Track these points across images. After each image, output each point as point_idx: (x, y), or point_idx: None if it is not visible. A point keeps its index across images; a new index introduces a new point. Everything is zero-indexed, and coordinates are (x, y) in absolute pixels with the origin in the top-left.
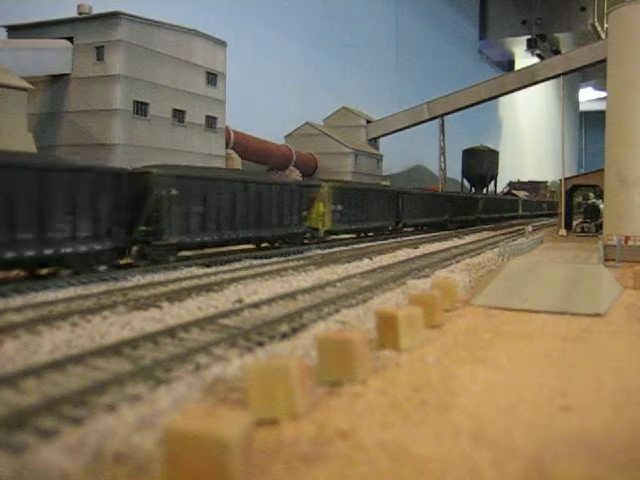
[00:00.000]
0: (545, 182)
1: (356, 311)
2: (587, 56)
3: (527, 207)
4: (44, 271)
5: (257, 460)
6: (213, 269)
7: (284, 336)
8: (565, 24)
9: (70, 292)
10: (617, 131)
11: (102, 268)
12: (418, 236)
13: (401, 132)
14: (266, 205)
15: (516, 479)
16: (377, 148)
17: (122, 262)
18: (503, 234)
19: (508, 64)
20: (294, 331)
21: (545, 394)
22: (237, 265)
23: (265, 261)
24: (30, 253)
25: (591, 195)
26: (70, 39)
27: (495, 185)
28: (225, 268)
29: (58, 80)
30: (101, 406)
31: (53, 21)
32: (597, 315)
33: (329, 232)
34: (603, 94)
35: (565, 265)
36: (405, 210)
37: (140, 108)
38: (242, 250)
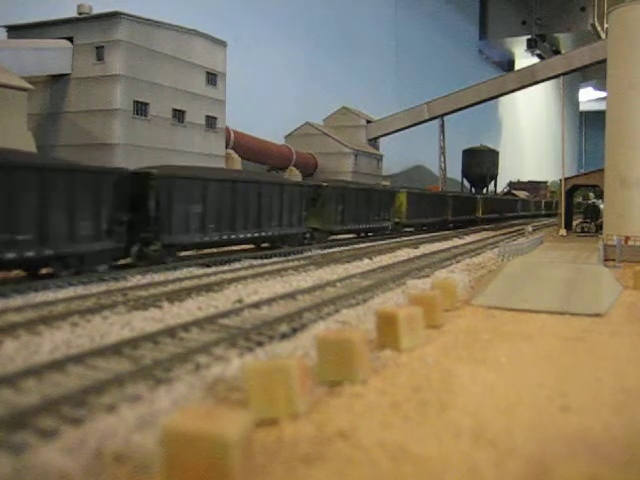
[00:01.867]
0: (545, 182)
1: (356, 311)
2: (587, 56)
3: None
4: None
5: (257, 460)
6: (213, 269)
7: (284, 336)
8: (565, 24)
9: (70, 292)
10: (617, 131)
11: (294, 243)
12: (418, 236)
13: (401, 132)
14: None
15: (516, 479)
16: (377, 148)
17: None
18: (504, 234)
19: (508, 64)
20: (294, 331)
21: (545, 394)
22: (237, 265)
23: (265, 261)
24: (256, 234)
25: (591, 195)
26: (70, 39)
27: (495, 185)
28: (225, 268)
29: (58, 80)
30: (101, 406)
31: (53, 21)
32: (597, 315)
33: None
34: (603, 94)
35: (565, 265)
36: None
37: (140, 108)
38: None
